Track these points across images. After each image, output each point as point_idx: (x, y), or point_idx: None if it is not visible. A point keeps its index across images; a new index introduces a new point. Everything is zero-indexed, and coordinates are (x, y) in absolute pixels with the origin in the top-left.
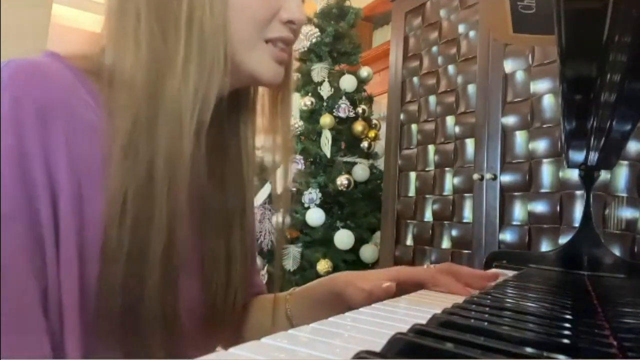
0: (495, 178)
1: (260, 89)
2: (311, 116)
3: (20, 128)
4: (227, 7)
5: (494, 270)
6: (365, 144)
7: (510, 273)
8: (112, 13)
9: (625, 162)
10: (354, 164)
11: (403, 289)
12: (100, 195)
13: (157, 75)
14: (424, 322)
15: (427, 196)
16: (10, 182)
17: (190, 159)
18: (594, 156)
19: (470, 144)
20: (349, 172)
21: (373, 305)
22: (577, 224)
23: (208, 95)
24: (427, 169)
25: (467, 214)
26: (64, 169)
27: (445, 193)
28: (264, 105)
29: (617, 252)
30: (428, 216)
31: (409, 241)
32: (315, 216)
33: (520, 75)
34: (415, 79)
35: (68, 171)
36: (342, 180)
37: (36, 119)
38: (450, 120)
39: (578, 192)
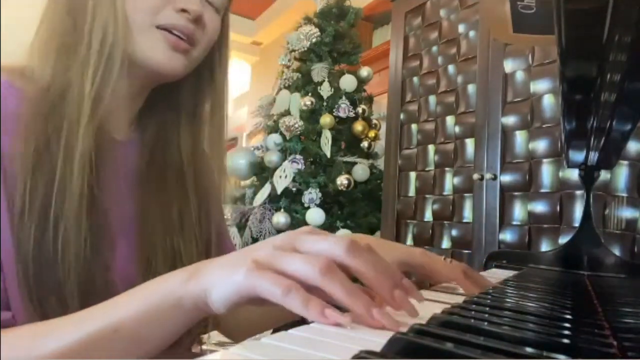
0: (495, 178)
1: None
2: (311, 116)
3: None
4: None
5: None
6: (365, 144)
7: (510, 273)
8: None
9: (625, 162)
10: (354, 164)
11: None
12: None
13: (64, 62)
14: (424, 322)
15: (427, 196)
16: None
17: (86, 140)
18: (594, 156)
19: (470, 144)
20: (349, 172)
21: None
22: (577, 224)
23: (104, 79)
24: (427, 169)
25: (467, 214)
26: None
27: (445, 193)
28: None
29: (617, 252)
30: (428, 216)
31: (409, 241)
32: (315, 216)
33: (520, 75)
34: (415, 79)
35: None
36: (342, 180)
37: None
38: (450, 120)
39: (578, 192)
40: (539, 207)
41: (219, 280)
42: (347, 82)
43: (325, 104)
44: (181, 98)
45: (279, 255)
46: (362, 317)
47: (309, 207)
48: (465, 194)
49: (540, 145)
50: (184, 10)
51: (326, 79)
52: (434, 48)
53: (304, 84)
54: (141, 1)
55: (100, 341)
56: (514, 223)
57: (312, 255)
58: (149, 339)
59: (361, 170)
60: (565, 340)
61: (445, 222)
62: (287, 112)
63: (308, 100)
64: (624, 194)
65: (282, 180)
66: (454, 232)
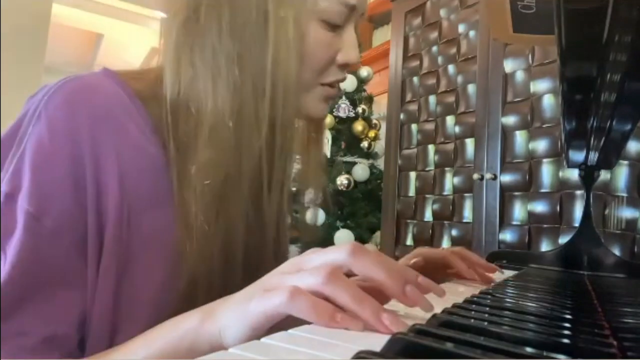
0: (495, 178)
1: None
2: None
3: (75, 138)
4: (301, 58)
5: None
6: (365, 144)
7: (510, 273)
8: (179, 46)
9: (625, 162)
10: (354, 163)
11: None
12: (147, 217)
13: (240, 125)
14: (423, 322)
15: (427, 196)
16: (64, 192)
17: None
18: (594, 156)
19: (470, 143)
20: (349, 172)
21: None
22: (577, 224)
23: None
24: (427, 169)
25: (467, 213)
26: (112, 182)
27: (445, 193)
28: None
29: (617, 252)
30: (428, 216)
31: (409, 241)
32: None
33: (520, 75)
34: (415, 79)
35: (116, 185)
36: (342, 180)
37: (89, 131)
38: (450, 120)
39: (578, 192)
40: (539, 207)
41: (234, 317)
42: (347, 82)
43: None
44: None
45: (286, 277)
46: (371, 323)
47: (309, 207)
48: (465, 194)
49: (540, 145)
50: (345, 64)
51: None
52: (434, 48)
53: None
54: (311, 65)
55: None
56: (514, 223)
57: (315, 268)
58: None
59: (361, 170)
60: (565, 340)
61: (445, 222)
62: None
63: None
64: (624, 194)
65: None
66: (454, 232)
